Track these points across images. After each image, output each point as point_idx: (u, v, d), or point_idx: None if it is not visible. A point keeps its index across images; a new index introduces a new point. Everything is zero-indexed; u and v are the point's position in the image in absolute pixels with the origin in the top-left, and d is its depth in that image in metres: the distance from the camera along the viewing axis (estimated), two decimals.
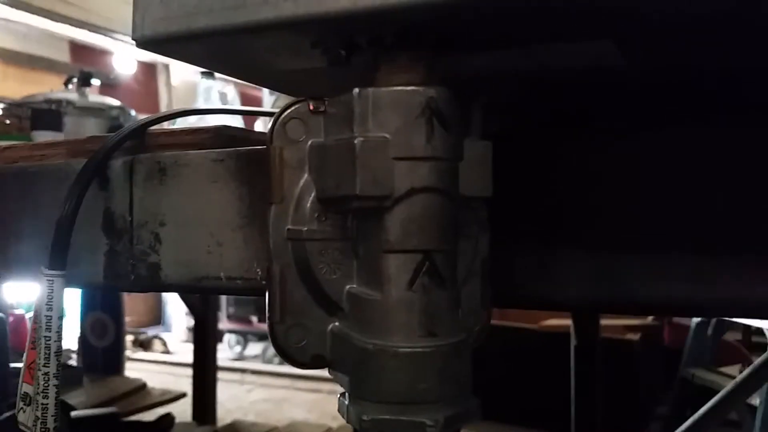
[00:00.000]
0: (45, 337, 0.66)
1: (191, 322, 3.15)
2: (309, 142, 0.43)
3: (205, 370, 2.70)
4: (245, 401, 3.51)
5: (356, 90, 0.39)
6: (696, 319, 3.05)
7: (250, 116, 2.61)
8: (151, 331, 5.02)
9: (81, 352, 3.46)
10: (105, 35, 4.89)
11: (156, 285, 0.66)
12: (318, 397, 3.46)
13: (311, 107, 0.43)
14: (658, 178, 0.46)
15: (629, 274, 0.47)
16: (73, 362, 3.51)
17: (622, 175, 0.47)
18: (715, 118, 0.46)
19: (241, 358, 4.54)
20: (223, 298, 4.50)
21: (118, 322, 3.40)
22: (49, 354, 0.66)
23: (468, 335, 0.44)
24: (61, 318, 0.66)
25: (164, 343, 4.77)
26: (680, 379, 3.04)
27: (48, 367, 0.66)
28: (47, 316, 0.65)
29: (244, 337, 4.64)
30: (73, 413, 2.21)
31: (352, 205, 0.41)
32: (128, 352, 3.95)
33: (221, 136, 0.66)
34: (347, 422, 0.43)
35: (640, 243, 0.46)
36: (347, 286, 0.44)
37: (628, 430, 2.81)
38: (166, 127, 0.75)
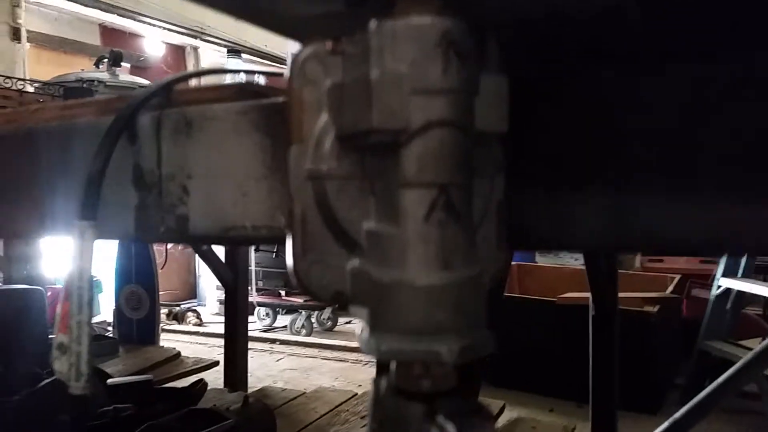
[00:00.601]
0: (78, 287, 0.69)
1: (223, 296, 3.22)
2: (327, 82, 0.44)
3: (236, 339, 2.76)
4: (274, 370, 3.58)
5: (373, 22, 0.39)
6: (715, 292, 3.03)
7: None
8: (184, 305, 5.12)
9: (116, 324, 3.55)
10: (134, 19, 4.94)
11: (185, 236, 0.68)
12: (344, 366, 3.52)
13: (329, 47, 0.44)
14: (675, 116, 0.46)
15: (644, 212, 0.47)
16: (110, 334, 3.61)
17: (636, 113, 0.47)
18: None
19: (270, 329, 4.62)
20: (253, 273, 4.56)
21: (152, 295, 3.48)
22: (82, 303, 0.69)
23: (483, 271, 0.45)
24: (91, 268, 0.68)
25: (198, 316, 4.87)
26: (698, 351, 3.03)
27: (81, 314, 0.68)
28: (79, 266, 0.68)
29: (274, 310, 4.72)
30: (110, 380, 2.28)
31: (369, 140, 0.42)
32: (162, 324, 4.04)
33: (245, 91, 0.67)
34: (366, 353, 0.45)
35: (655, 182, 0.47)
36: (366, 224, 0.45)
37: (646, 400, 2.81)
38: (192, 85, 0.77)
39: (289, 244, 0.49)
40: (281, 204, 0.60)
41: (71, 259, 0.69)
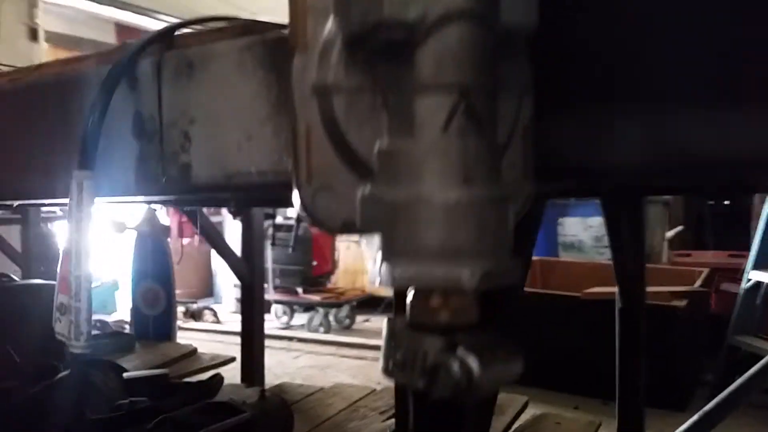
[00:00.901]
0: (75, 240, 0.65)
1: (240, 293, 3.19)
2: None
3: (252, 335, 2.72)
4: (292, 367, 3.54)
5: None
6: (745, 286, 2.95)
7: None
8: (201, 303, 5.09)
9: (133, 321, 3.54)
10: (149, 16, 4.95)
11: (187, 186, 0.64)
12: (362, 364, 3.48)
13: None
14: (719, 29, 0.41)
15: (685, 131, 0.42)
16: (126, 331, 3.60)
17: (676, 28, 0.42)
18: None
19: (287, 327, 4.58)
20: (270, 271, 4.53)
21: (168, 291, 3.46)
22: (80, 258, 0.65)
23: (509, 193, 0.40)
24: (90, 221, 0.65)
25: (215, 314, 4.84)
26: (728, 346, 2.95)
27: (79, 270, 0.65)
28: (77, 218, 0.64)
29: (291, 308, 4.68)
30: (126, 374, 2.25)
31: (379, 38, 0.37)
32: (179, 322, 4.02)
33: (249, 28, 0.63)
34: (379, 285, 0.40)
35: (698, 95, 0.42)
36: (377, 144, 0.41)
37: (673, 397, 2.73)
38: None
39: (292, 164, 0.44)
40: (288, 145, 0.56)
41: (70, 214, 0.66)
